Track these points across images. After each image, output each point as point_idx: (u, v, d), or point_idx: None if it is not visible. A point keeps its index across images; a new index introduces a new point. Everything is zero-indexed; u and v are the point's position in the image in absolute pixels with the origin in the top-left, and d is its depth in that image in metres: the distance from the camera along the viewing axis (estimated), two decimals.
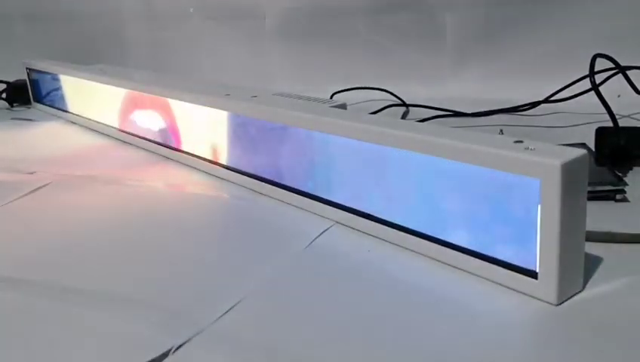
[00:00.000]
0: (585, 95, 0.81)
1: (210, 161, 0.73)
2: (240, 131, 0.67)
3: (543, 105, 0.92)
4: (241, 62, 1.31)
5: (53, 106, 1.16)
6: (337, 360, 0.37)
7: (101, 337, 0.42)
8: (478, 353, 0.37)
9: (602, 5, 1.02)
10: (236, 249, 0.54)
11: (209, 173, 0.73)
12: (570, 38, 1.03)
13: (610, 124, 0.69)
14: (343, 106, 0.62)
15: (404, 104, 1.04)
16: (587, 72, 0.76)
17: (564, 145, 0.42)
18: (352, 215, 0.55)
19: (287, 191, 0.62)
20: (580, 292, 0.42)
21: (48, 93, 1.17)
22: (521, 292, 0.43)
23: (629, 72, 0.78)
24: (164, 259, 0.53)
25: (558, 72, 0.88)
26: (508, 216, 0.43)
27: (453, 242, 0.47)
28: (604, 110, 0.71)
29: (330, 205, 0.57)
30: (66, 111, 1.11)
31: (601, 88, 0.74)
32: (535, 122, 0.90)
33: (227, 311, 0.43)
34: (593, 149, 0.68)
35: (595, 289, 0.43)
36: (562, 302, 0.41)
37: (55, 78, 1.12)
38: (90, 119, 1.02)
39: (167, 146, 0.81)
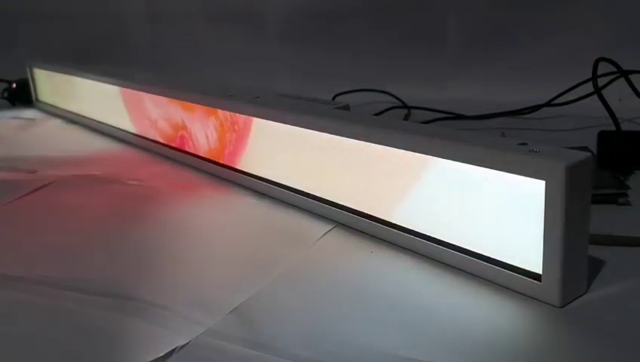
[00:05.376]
0: (587, 99, 0.81)
1: (211, 162, 0.73)
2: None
3: (544, 108, 0.92)
4: (244, 63, 1.31)
5: (55, 106, 1.16)
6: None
7: (102, 336, 0.41)
8: (481, 355, 0.37)
9: (605, 9, 1.02)
10: (238, 250, 0.54)
11: (209, 173, 0.73)
12: (573, 42, 1.03)
13: (613, 128, 0.69)
14: (346, 108, 0.62)
15: (405, 106, 1.04)
16: (589, 76, 0.76)
17: (566, 148, 0.42)
18: (354, 216, 0.55)
19: (290, 192, 0.62)
20: (583, 294, 0.42)
21: (50, 93, 1.17)
22: (524, 294, 0.43)
23: (631, 76, 0.78)
24: (165, 259, 0.53)
25: (561, 76, 0.88)
26: (512, 218, 0.42)
27: (456, 244, 0.47)
28: (606, 114, 0.71)
29: (333, 206, 0.57)
30: (68, 111, 1.11)
31: (603, 92, 0.74)
32: (537, 125, 0.90)
33: (228, 313, 0.43)
34: (595, 153, 0.68)
35: (599, 291, 0.43)
36: (566, 305, 0.41)
37: (57, 78, 1.12)
38: (91, 119, 1.02)
39: (168, 146, 0.81)
